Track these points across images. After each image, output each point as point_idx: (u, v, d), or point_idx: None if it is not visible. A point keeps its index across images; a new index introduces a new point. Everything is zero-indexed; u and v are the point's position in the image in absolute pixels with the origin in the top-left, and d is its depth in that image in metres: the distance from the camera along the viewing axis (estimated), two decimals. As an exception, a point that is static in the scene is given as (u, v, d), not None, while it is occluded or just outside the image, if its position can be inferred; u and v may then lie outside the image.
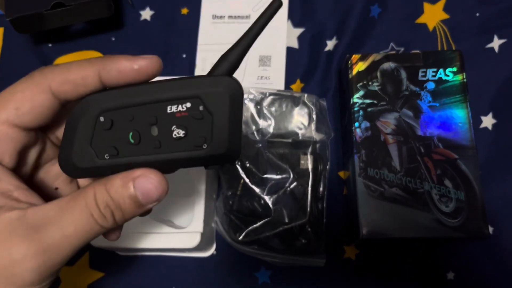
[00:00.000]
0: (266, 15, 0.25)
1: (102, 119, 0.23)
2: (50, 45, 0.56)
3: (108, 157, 0.24)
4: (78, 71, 0.23)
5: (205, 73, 0.25)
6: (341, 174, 0.49)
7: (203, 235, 0.42)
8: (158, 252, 0.47)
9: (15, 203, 0.21)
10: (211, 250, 0.47)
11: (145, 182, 0.22)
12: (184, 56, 0.54)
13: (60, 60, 0.55)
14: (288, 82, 0.52)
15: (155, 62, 0.24)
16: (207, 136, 0.24)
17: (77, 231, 0.21)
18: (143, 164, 0.23)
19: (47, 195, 0.26)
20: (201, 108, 0.24)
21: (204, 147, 0.24)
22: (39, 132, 0.25)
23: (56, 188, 0.27)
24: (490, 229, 0.45)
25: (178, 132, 0.24)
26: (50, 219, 0.21)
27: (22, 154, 0.24)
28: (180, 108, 0.24)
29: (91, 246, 0.43)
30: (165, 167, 0.24)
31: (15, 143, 0.23)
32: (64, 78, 0.23)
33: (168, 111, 0.24)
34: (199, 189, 0.43)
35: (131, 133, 0.23)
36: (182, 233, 0.42)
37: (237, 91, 0.24)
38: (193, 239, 0.41)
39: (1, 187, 0.21)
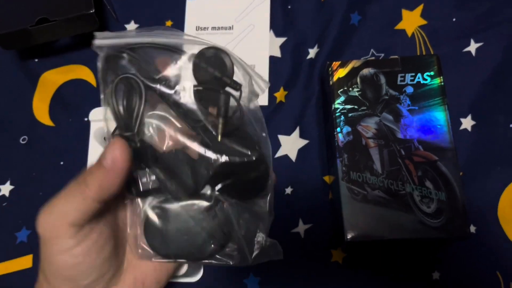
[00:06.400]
0: None
1: None
2: (36, 60, 0.56)
3: None
4: None
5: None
6: (326, 178, 0.49)
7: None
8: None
9: None
10: (199, 275, 0.47)
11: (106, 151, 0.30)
12: (169, 67, 0.55)
13: (47, 74, 0.56)
14: (272, 90, 0.53)
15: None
16: None
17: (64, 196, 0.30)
18: None
19: None
20: None
21: None
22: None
23: None
24: (473, 228, 0.46)
25: None
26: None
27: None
28: None
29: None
30: None
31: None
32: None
33: None
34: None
35: None
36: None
37: None
38: (181, 267, 0.41)
39: None
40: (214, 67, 0.31)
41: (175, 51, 0.31)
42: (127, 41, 0.30)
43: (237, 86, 0.31)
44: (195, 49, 0.31)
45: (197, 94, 0.31)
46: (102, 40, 0.30)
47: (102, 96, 0.32)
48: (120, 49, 0.31)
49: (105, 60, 0.31)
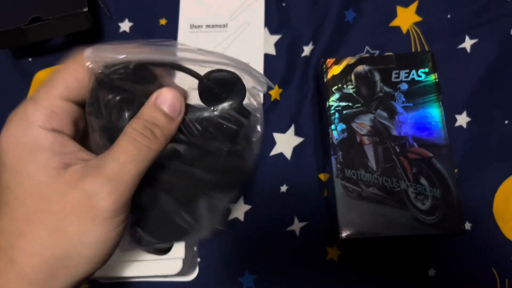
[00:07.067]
0: None
1: None
2: (30, 59, 0.56)
3: None
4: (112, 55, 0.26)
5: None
6: (322, 176, 0.49)
7: (185, 260, 0.42)
8: (140, 279, 0.46)
9: (80, 160, 0.26)
10: (194, 274, 0.47)
11: (165, 96, 0.26)
12: (163, 66, 0.55)
13: (41, 74, 0.55)
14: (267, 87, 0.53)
15: None
16: None
17: (129, 157, 0.25)
18: None
19: None
20: None
21: None
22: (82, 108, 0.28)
23: None
24: (468, 225, 0.46)
25: None
26: (106, 158, 0.25)
27: (76, 126, 0.27)
28: None
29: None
30: None
31: (71, 115, 0.27)
32: (98, 57, 0.26)
33: None
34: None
35: None
36: (164, 259, 0.41)
37: None
38: (175, 266, 0.41)
39: (68, 150, 0.26)
40: (224, 91, 0.28)
41: (185, 71, 0.28)
42: (129, 58, 0.27)
43: (246, 114, 0.30)
44: (205, 69, 0.28)
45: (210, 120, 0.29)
46: (96, 57, 0.26)
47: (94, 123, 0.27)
48: (117, 65, 0.27)
49: (98, 81, 0.27)
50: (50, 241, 0.24)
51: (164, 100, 0.26)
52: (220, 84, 0.28)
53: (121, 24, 0.57)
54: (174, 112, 0.26)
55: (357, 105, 0.45)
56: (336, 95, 0.46)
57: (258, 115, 0.32)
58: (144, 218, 0.31)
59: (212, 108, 0.29)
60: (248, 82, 0.29)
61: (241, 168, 0.32)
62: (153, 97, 0.26)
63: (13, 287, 0.24)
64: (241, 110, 0.29)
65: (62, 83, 0.26)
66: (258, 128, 0.32)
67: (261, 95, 0.32)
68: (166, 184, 0.30)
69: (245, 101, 0.30)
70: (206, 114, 0.29)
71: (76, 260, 0.25)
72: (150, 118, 0.26)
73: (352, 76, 0.46)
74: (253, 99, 0.31)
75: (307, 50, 0.54)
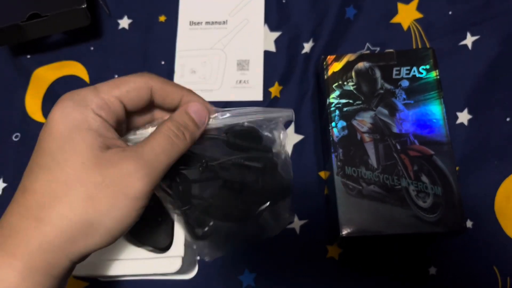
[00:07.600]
0: None
1: None
2: (28, 56, 0.56)
3: None
4: (173, 91, 0.32)
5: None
6: (322, 174, 0.49)
7: (184, 258, 0.41)
8: (140, 277, 0.46)
9: (117, 146, 0.29)
10: (194, 272, 0.47)
11: (193, 107, 0.32)
12: (163, 63, 0.54)
13: (40, 71, 0.55)
14: (267, 85, 0.52)
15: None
16: None
17: (164, 150, 0.29)
18: None
19: None
20: None
21: None
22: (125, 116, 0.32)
23: None
24: (470, 223, 0.46)
25: None
26: (144, 147, 0.29)
27: (117, 123, 0.31)
28: None
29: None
30: None
31: (118, 114, 0.30)
32: (163, 87, 0.31)
33: None
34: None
35: None
36: (163, 257, 0.41)
37: None
38: (174, 264, 0.40)
39: (110, 135, 0.29)
40: (244, 140, 0.35)
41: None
42: None
43: (267, 149, 0.36)
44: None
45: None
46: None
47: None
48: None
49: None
50: (82, 207, 0.26)
51: (192, 109, 0.31)
52: (239, 135, 0.34)
53: (120, 21, 0.56)
54: (200, 121, 0.32)
55: (357, 102, 0.45)
56: (337, 92, 0.45)
57: (283, 144, 0.37)
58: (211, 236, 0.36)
59: (237, 157, 0.35)
60: (269, 119, 0.35)
61: (279, 184, 0.37)
62: (184, 106, 0.32)
63: (33, 246, 0.26)
64: (263, 148, 0.35)
65: (125, 88, 0.30)
66: (285, 151, 0.38)
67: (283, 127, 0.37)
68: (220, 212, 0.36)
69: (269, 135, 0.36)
70: (235, 160, 0.35)
71: (97, 230, 0.27)
72: (182, 122, 0.31)
73: (353, 73, 0.46)
74: (276, 131, 0.36)
75: (307, 47, 0.53)
